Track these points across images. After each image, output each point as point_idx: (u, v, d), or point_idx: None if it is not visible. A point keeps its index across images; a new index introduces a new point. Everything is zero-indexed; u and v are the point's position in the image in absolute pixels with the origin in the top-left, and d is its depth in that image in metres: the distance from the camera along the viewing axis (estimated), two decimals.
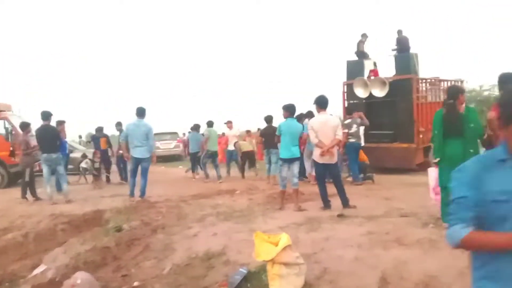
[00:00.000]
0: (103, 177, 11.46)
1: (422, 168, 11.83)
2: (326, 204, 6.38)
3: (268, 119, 10.61)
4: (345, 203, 6.34)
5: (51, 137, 8.23)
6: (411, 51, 12.39)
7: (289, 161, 6.39)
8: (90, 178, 11.72)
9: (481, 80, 23.47)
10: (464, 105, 4.81)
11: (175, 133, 23.33)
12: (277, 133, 6.62)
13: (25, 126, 8.91)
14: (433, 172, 5.38)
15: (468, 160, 4.81)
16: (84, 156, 12.57)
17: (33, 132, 9.37)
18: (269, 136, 10.74)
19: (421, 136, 11.63)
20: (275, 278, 3.74)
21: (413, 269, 3.87)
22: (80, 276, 3.98)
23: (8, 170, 12.23)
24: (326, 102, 6.49)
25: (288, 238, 3.80)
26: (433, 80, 13.09)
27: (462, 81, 14.98)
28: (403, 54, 12.24)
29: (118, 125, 11.34)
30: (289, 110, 6.56)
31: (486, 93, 23.95)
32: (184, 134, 25.52)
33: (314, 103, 6.54)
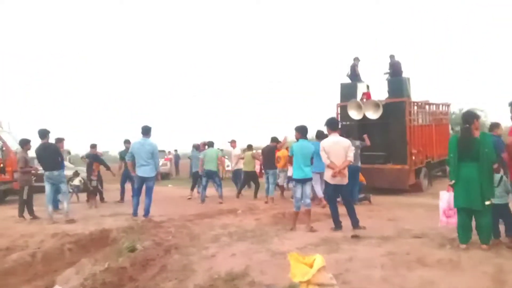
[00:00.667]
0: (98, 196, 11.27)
1: (414, 189, 12.17)
2: (338, 225, 6.48)
3: (272, 139, 10.79)
4: (355, 224, 6.45)
5: (52, 155, 8.11)
6: (404, 75, 12.84)
7: (302, 181, 6.48)
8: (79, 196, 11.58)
9: (462, 104, 24.62)
10: (479, 130, 5.02)
11: (163, 151, 23.16)
12: (289, 154, 6.71)
13: (24, 142, 8.72)
14: (445, 195, 5.54)
15: (483, 182, 5.04)
16: (76, 174, 12.37)
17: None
18: (266, 156, 10.88)
19: (413, 157, 11.96)
20: None
21: None
22: None
23: None
24: (337, 124, 6.67)
25: (322, 259, 3.85)
26: (423, 103, 13.53)
27: (448, 105, 15.53)
28: (396, 78, 12.66)
29: (126, 142, 11.26)
30: (300, 131, 6.70)
31: None
32: (169, 152, 25.33)
33: (325, 125, 6.71)
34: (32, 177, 10.36)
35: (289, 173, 11.61)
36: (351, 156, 6.41)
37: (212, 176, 10.94)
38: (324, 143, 6.53)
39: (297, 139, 6.71)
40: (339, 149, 6.37)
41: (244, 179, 11.71)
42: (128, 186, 11.29)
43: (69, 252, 6.41)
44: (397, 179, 11.80)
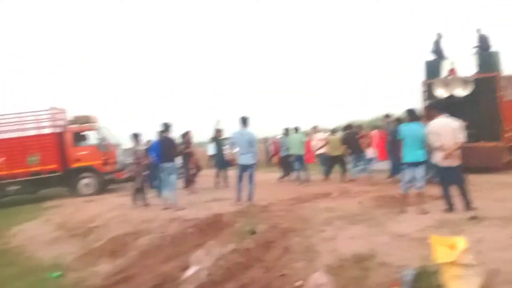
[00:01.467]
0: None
1: (507, 167, 11.66)
2: (451, 206, 6.49)
3: (348, 126, 11.15)
4: (468, 205, 6.43)
5: (169, 147, 8.74)
6: (492, 49, 12.25)
7: (414, 164, 6.53)
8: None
9: None
10: None
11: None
12: (398, 137, 6.79)
13: (136, 136, 9.52)
14: None
15: None
16: None
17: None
18: (352, 141, 11.03)
19: (507, 134, 11.46)
20: (454, 279, 3.93)
21: None
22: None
23: (101, 178, 13.04)
24: (445, 106, 6.63)
25: (465, 241, 3.98)
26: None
27: None
28: (486, 52, 12.10)
29: (218, 131, 11.94)
30: (410, 114, 6.77)
31: None
32: None
33: (433, 108, 6.70)
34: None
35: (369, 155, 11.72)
36: (461, 137, 6.36)
37: (297, 159, 11.35)
38: (433, 125, 6.52)
39: (407, 122, 6.77)
40: (449, 131, 6.35)
41: (331, 163, 11.90)
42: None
43: (191, 236, 6.97)
44: (490, 157, 11.38)
